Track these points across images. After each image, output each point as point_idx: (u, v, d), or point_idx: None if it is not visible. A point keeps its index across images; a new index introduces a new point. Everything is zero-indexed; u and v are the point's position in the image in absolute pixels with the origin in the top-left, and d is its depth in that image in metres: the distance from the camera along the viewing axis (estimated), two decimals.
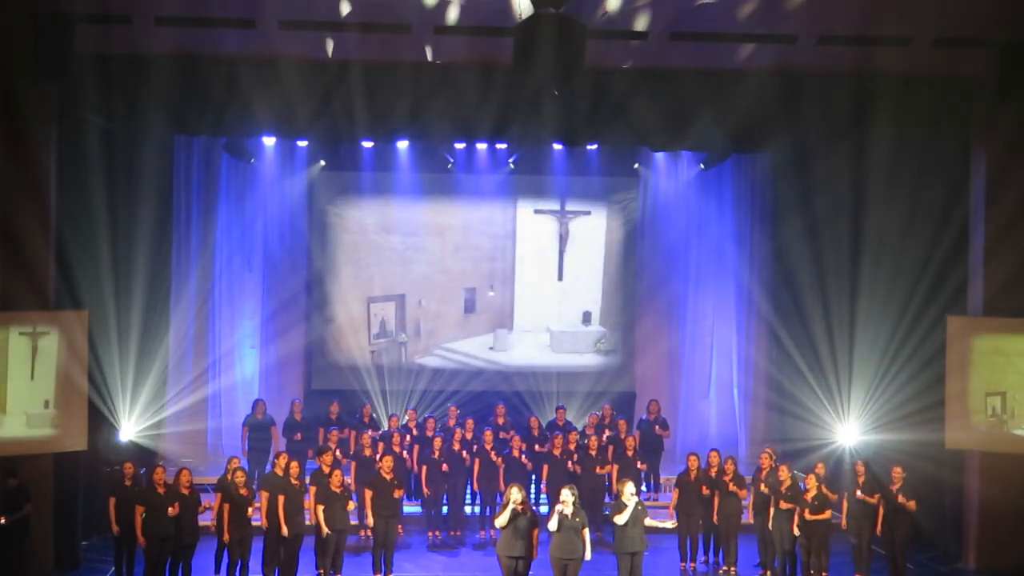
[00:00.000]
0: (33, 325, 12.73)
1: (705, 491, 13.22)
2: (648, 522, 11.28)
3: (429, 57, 13.32)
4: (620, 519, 11.18)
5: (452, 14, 12.59)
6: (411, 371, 17.81)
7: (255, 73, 13.20)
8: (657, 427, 15.91)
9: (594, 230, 18.07)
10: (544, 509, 13.65)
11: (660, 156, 17.56)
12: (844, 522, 12.90)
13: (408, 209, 17.77)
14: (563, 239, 18.09)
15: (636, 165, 17.79)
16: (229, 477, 12.23)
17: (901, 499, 12.41)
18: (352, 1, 12.51)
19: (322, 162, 17.44)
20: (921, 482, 13.08)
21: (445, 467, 14.23)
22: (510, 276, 18.10)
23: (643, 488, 14.84)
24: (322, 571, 12.45)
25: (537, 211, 18.01)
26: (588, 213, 18.03)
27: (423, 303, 17.92)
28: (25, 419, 12.74)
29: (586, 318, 18.19)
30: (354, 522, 13.33)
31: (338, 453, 14.19)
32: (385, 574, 12.72)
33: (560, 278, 18.12)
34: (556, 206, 18.01)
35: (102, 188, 14.09)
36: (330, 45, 13.19)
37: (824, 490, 12.54)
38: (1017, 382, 13.46)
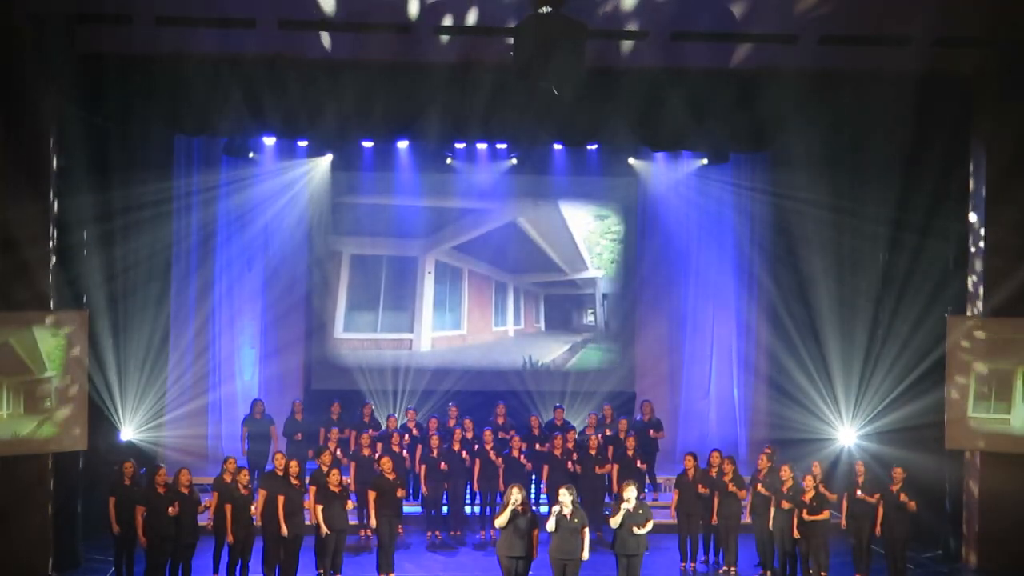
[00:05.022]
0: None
1: (702, 489, 13.21)
2: (638, 530, 11.26)
3: (429, 57, 13.32)
4: (613, 522, 11.23)
5: (452, 14, 12.62)
6: (412, 371, 17.80)
7: (255, 73, 13.21)
8: (651, 430, 15.89)
9: (594, 268, 18.27)
10: (544, 509, 13.63)
11: (660, 155, 17.53)
12: (844, 522, 12.89)
13: (409, 213, 17.81)
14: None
15: (633, 161, 17.74)
16: (227, 477, 12.23)
17: (903, 498, 12.40)
18: (352, 1, 12.52)
19: (330, 155, 17.42)
20: (921, 482, 13.07)
21: (444, 465, 14.23)
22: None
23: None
24: (322, 571, 12.44)
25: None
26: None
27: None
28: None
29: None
30: (354, 522, 13.31)
31: (338, 453, 14.19)
32: (387, 574, 12.73)
33: None
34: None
35: (102, 188, 14.11)
36: (329, 45, 13.20)
37: (823, 490, 12.55)
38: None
